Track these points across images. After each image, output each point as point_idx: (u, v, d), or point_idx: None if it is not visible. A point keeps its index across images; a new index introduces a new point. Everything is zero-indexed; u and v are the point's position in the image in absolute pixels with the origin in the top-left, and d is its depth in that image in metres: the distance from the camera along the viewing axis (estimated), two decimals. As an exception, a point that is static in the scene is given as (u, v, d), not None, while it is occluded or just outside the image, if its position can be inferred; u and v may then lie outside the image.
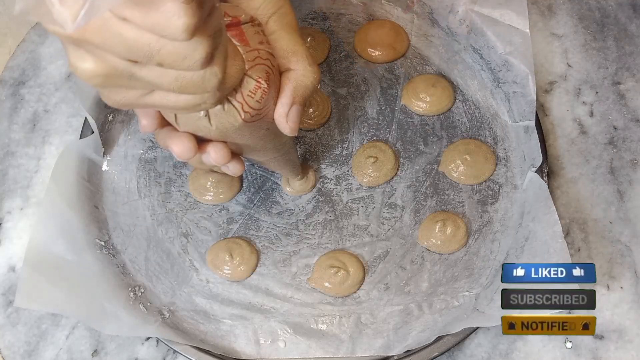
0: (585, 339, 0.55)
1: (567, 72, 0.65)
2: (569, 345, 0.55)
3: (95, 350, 0.56)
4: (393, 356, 0.53)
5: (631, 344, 0.55)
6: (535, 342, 0.55)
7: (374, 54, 0.65)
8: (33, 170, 0.62)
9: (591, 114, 0.63)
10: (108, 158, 0.62)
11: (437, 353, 0.52)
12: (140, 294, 0.56)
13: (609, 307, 0.56)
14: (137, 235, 0.59)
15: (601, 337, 0.55)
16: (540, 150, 0.57)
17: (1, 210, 0.61)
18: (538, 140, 0.58)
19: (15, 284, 0.58)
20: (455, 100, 0.63)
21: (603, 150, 0.62)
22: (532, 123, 0.59)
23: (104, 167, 0.61)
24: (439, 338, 0.52)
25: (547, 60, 0.66)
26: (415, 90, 0.63)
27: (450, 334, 0.52)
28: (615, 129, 0.62)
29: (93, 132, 0.60)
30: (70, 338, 0.56)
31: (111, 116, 0.63)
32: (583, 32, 0.67)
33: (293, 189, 0.60)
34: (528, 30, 0.60)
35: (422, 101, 0.63)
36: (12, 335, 0.57)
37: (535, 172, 0.57)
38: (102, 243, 0.58)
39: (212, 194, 0.60)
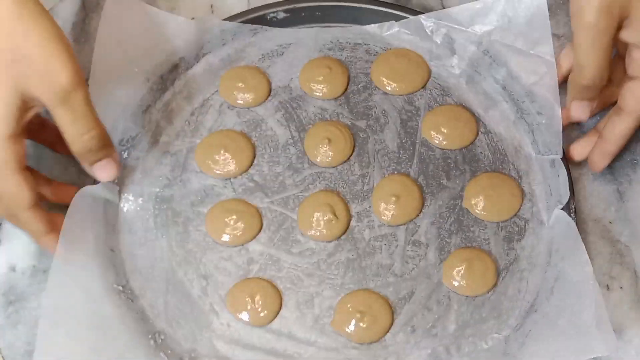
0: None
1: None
2: None
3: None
4: (421, 402, 0.52)
5: (631, 344, 0.54)
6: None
7: (392, 85, 0.64)
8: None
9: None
10: (124, 196, 0.60)
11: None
12: (160, 340, 0.55)
13: (609, 307, 0.55)
14: (155, 278, 0.57)
15: (601, 338, 0.54)
16: (568, 187, 0.56)
17: (1, 210, 0.60)
18: (567, 176, 0.56)
19: (15, 283, 0.57)
20: (477, 132, 0.62)
21: (603, 150, 0.61)
22: (559, 157, 0.57)
23: (120, 207, 0.60)
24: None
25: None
26: (436, 122, 0.62)
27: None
28: None
29: None
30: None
31: (125, 153, 0.61)
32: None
33: (316, 233, 0.58)
34: (554, 60, 0.58)
35: (443, 134, 0.61)
36: (12, 335, 0.55)
37: (562, 209, 0.56)
38: (120, 288, 0.56)
39: (230, 234, 0.58)
